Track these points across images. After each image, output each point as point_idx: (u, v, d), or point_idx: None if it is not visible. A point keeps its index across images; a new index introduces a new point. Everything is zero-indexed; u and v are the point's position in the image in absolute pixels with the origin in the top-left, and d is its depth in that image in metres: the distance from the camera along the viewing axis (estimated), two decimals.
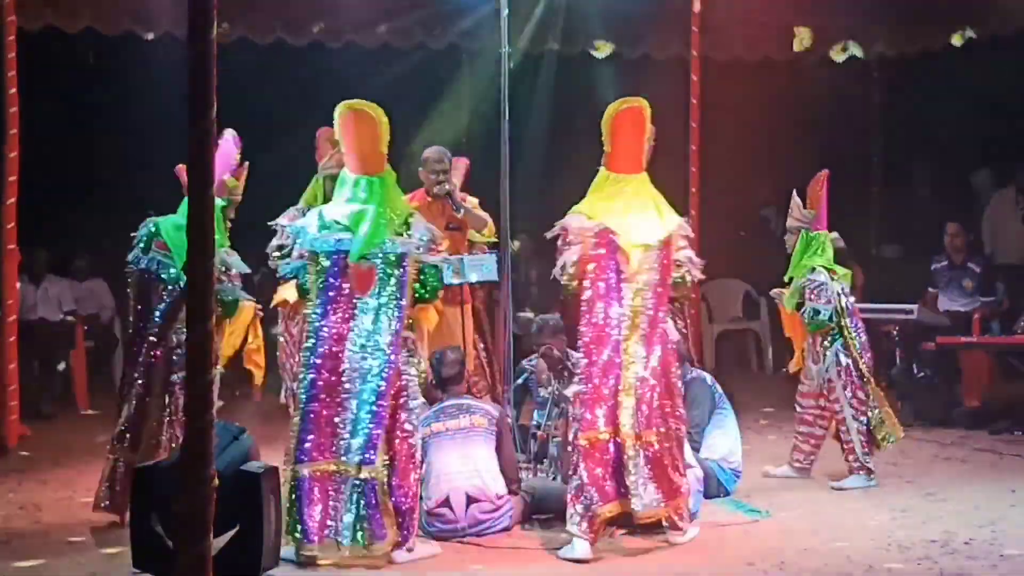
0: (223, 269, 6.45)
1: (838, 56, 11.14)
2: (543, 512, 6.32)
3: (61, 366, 10.63)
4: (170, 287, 6.39)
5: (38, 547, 6.01)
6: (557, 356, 7.24)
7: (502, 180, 7.22)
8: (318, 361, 5.62)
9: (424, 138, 10.06)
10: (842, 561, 5.56)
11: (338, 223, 5.70)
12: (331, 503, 5.51)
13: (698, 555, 5.74)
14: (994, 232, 11.23)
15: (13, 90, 8.80)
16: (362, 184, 5.76)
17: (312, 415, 5.59)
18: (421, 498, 6.15)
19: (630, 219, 5.95)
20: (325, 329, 5.63)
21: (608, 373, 5.80)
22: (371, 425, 5.56)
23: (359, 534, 5.50)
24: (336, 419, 5.56)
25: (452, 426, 6.23)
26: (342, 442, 5.54)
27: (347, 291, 5.65)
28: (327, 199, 7.93)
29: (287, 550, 5.55)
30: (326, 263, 5.68)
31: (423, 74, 11.74)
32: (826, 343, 7.38)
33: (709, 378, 7.19)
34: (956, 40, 10.79)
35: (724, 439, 7.02)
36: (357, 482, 5.51)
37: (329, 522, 5.49)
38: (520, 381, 7.45)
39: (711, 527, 6.21)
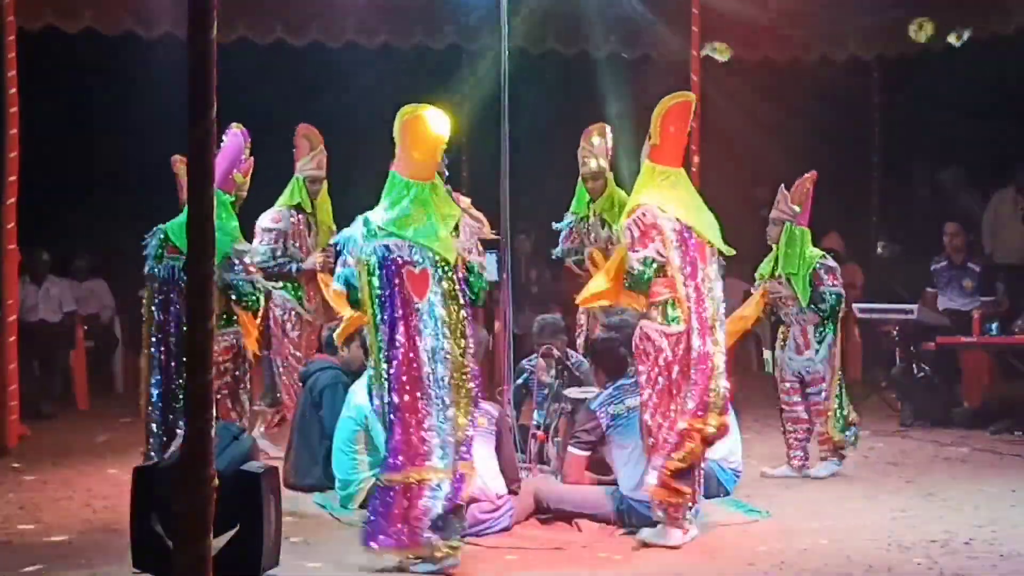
0: (243, 262, 6.47)
1: (955, 41, 10.97)
2: (556, 515, 6.32)
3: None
4: None
5: (38, 547, 6.01)
6: (557, 356, 7.24)
7: (502, 180, 7.21)
8: (396, 375, 5.43)
9: None
10: (842, 561, 5.56)
11: (383, 228, 5.52)
12: (419, 505, 5.37)
13: (698, 555, 5.73)
14: (994, 232, 11.23)
15: (13, 90, 8.81)
16: (413, 189, 5.59)
17: (400, 429, 5.41)
18: None
19: (701, 216, 5.99)
20: (393, 341, 5.43)
21: (693, 365, 5.79)
22: (455, 430, 5.47)
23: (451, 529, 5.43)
24: (423, 429, 5.42)
25: None
26: (430, 450, 5.41)
27: (403, 297, 5.45)
28: (311, 201, 7.96)
29: (422, 566, 5.40)
30: (376, 270, 5.48)
31: (423, 74, 11.76)
32: (820, 331, 7.50)
33: None
34: (953, 40, 10.73)
35: (724, 439, 6.99)
36: (448, 481, 5.41)
37: (416, 522, 5.35)
38: (520, 381, 7.44)
39: (711, 527, 6.21)
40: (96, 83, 11.71)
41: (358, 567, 5.60)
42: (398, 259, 5.47)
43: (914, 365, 9.63)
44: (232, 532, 5.04)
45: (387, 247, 5.48)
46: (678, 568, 5.52)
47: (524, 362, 7.56)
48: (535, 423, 7.13)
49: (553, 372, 7.25)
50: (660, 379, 5.79)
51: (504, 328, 7.72)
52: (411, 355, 5.40)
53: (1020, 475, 7.43)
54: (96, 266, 11.72)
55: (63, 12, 9.94)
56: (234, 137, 6.74)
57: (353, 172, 8.08)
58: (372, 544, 5.36)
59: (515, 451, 6.58)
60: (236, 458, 5.32)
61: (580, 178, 7.97)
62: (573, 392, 6.85)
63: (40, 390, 10.32)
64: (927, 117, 12.25)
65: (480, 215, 7.42)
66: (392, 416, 5.41)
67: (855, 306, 10.24)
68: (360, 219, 5.60)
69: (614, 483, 6.33)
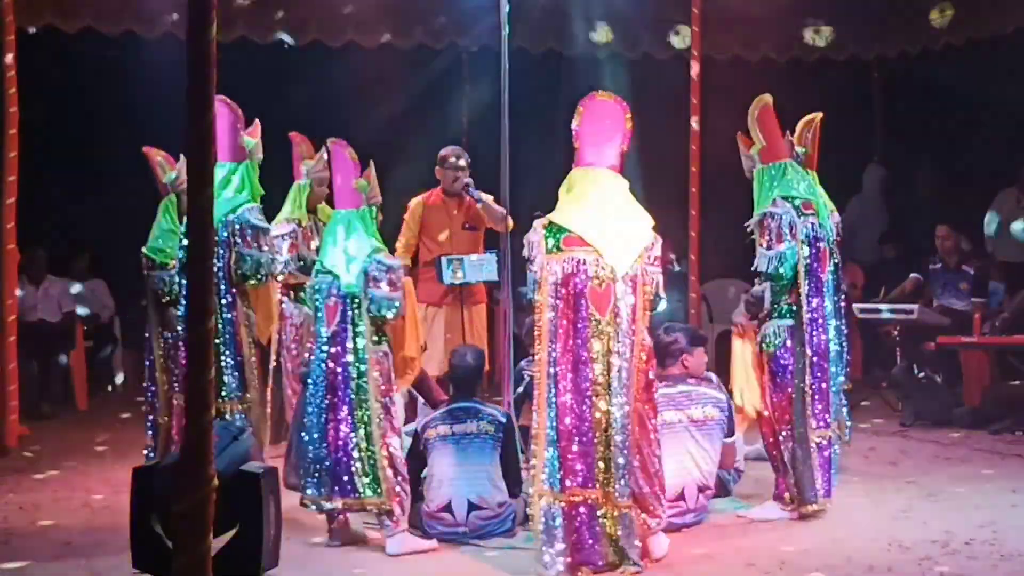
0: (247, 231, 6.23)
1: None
2: None
3: (63, 359, 10.64)
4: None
5: (37, 547, 6.01)
6: None
7: (502, 180, 7.22)
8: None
9: (424, 138, 10.07)
10: (842, 561, 5.56)
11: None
12: None
13: (698, 555, 5.73)
14: (996, 231, 11.20)
15: (13, 90, 8.81)
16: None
17: None
18: (422, 500, 6.15)
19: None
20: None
21: None
22: None
23: None
24: None
25: (458, 430, 6.18)
26: None
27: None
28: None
29: None
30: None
31: (423, 74, 11.76)
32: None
33: (715, 378, 7.15)
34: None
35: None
36: None
37: None
38: (521, 390, 7.40)
39: (711, 527, 6.22)
40: (96, 83, 11.70)
41: (357, 567, 5.62)
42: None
43: (914, 365, 9.63)
44: (232, 532, 5.04)
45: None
46: (678, 568, 5.51)
47: (524, 363, 7.54)
48: (535, 424, 7.11)
49: None
50: None
51: (504, 328, 7.72)
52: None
53: (1020, 475, 7.42)
54: (96, 266, 11.71)
55: (63, 12, 9.94)
56: (222, 109, 6.60)
57: None
58: None
59: (519, 452, 6.56)
60: (236, 458, 5.31)
61: None
62: None
63: (40, 390, 10.32)
64: (927, 117, 12.24)
65: (502, 209, 7.45)
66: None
67: (855, 306, 10.23)
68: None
69: None
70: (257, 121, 6.72)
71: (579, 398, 5.27)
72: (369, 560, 5.76)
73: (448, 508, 6.06)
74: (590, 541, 5.25)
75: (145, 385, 7.47)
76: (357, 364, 5.86)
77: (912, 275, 10.44)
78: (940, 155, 12.55)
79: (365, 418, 5.84)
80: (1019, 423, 8.83)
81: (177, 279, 6.70)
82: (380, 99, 11.39)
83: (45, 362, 10.50)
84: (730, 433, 6.55)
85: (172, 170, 7.40)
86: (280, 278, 7.61)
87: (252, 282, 6.32)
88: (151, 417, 7.32)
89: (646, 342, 5.41)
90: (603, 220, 5.36)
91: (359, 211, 6.06)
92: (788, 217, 6.19)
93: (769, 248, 6.16)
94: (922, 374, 9.52)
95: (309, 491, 5.89)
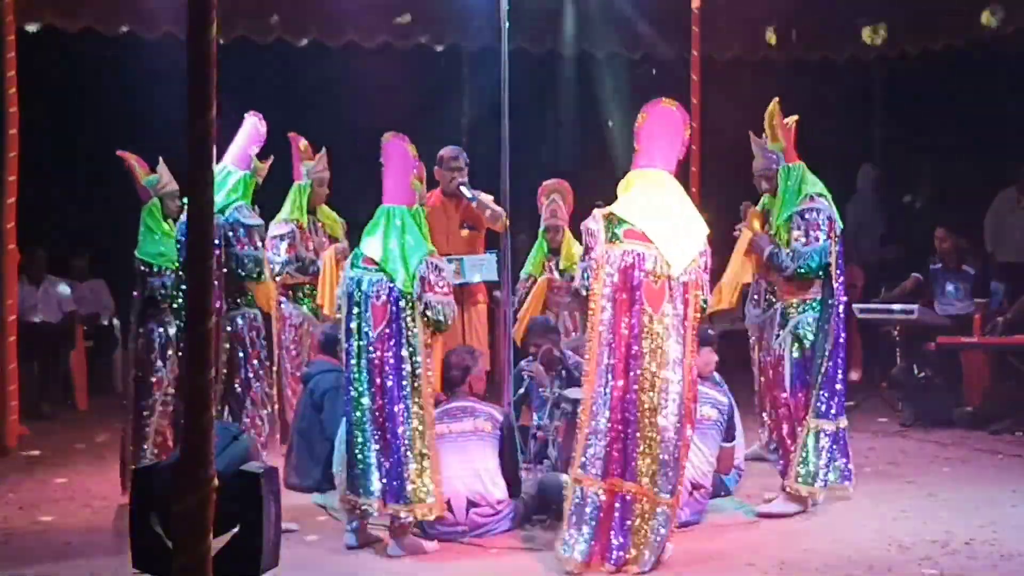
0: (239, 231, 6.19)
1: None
2: (551, 504, 6.31)
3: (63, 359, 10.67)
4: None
5: (38, 547, 6.01)
6: (557, 356, 7.21)
7: (502, 180, 7.23)
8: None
9: (424, 138, 10.05)
10: (842, 561, 5.56)
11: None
12: None
13: (698, 555, 5.73)
14: (996, 231, 11.21)
15: (13, 90, 8.81)
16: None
17: None
18: None
19: None
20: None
21: None
22: None
23: None
24: None
25: (456, 429, 6.18)
26: None
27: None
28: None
29: None
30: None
31: (423, 74, 11.75)
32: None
33: (717, 376, 7.16)
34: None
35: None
36: None
37: None
38: (522, 391, 7.40)
39: (711, 527, 6.22)
40: (96, 83, 11.70)
41: (357, 568, 5.62)
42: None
43: (914, 365, 9.63)
44: (232, 532, 5.04)
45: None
46: (677, 568, 5.51)
47: (523, 363, 7.53)
48: (535, 424, 7.12)
49: (553, 375, 7.22)
50: None
51: (504, 328, 7.72)
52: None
53: (1020, 475, 7.43)
54: (96, 266, 11.71)
55: (63, 12, 9.95)
56: (253, 124, 6.60)
57: (352, 172, 8.06)
58: None
59: (518, 453, 6.57)
60: (236, 458, 5.31)
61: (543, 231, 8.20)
62: (573, 393, 6.83)
63: (40, 390, 10.32)
64: (927, 117, 12.25)
65: (500, 209, 7.47)
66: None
67: (855, 306, 10.23)
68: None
69: None
70: (272, 157, 6.74)
71: (628, 391, 5.36)
72: (369, 561, 5.77)
73: (447, 507, 6.05)
74: (620, 536, 5.33)
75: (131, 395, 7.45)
76: (412, 366, 5.76)
77: (912, 275, 10.46)
78: (940, 155, 12.56)
79: (419, 423, 5.76)
80: (1019, 423, 8.84)
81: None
82: (380, 99, 11.39)
83: (45, 362, 10.51)
84: (730, 438, 6.56)
85: (148, 174, 7.36)
86: (278, 279, 7.60)
87: (253, 281, 6.31)
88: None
89: (693, 343, 5.49)
90: (663, 219, 5.45)
91: (412, 210, 5.99)
92: (826, 214, 6.31)
93: (806, 244, 6.28)
94: (922, 374, 9.52)
95: (366, 497, 5.76)
